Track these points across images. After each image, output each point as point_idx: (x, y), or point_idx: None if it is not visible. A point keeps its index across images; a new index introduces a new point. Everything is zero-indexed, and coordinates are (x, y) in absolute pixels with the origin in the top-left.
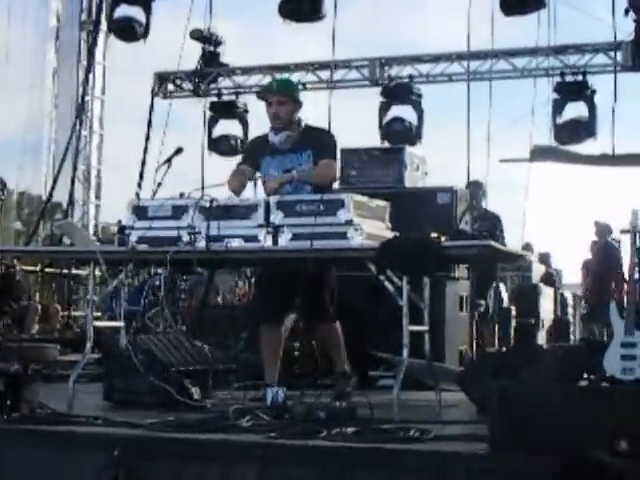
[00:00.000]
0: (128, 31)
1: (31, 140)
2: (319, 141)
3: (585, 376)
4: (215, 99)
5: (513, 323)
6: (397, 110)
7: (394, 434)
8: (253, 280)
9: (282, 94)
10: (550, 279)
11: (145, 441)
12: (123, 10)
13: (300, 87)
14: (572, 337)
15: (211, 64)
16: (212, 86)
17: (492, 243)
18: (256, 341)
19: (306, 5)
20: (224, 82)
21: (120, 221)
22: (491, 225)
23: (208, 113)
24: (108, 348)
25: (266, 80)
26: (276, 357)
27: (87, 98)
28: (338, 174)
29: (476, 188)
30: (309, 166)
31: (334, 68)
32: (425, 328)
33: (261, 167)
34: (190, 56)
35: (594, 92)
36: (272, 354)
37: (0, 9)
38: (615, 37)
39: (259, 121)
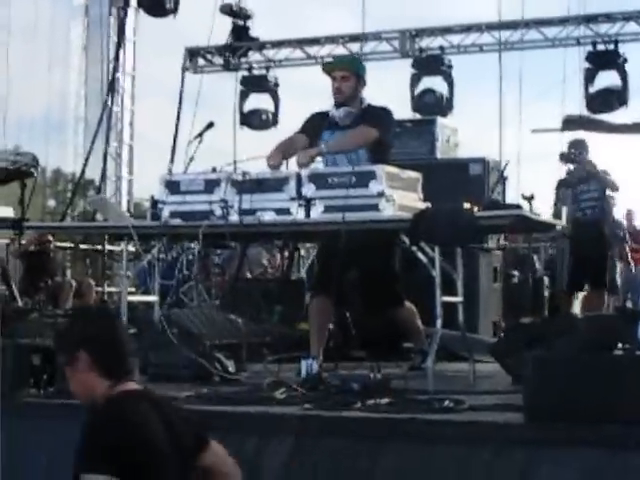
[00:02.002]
0: (158, 6)
1: (57, 117)
2: (372, 114)
3: (620, 345)
4: (246, 73)
5: (547, 293)
6: (428, 81)
7: (428, 405)
8: (286, 253)
9: (346, 69)
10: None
11: None
12: None
13: (364, 66)
14: None
15: (241, 38)
16: (242, 60)
17: (525, 212)
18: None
19: None
20: (254, 56)
21: (153, 196)
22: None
23: (239, 87)
24: (142, 323)
25: (296, 54)
26: (323, 330)
27: (118, 74)
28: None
29: (579, 147)
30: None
31: (364, 41)
32: (459, 299)
33: (319, 140)
34: (220, 31)
35: (626, 60)
36: (319, 327)
37: None
38: None
39: (290, 95)
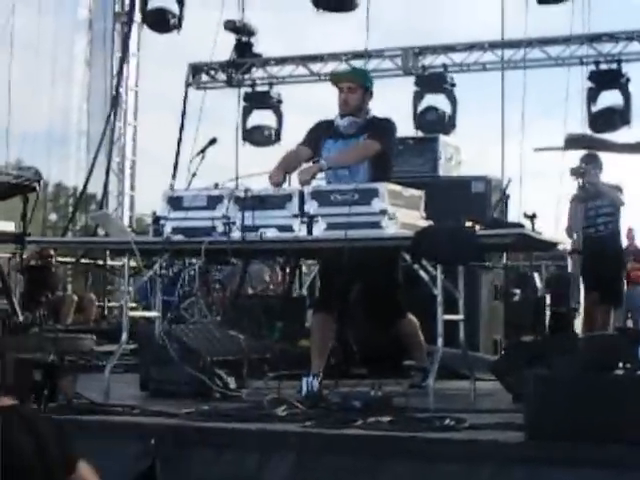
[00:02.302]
0: (162, 22)
1: (60, 132)
2: (376, 126)
3: (621, 365)
4: (249, 89)
5: (548, 312)
6: (431, 99)
7: (429, 423)
8: (287, 270)
9: (353, 81)
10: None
11: (181, 431)
12: (157, 1)
13: (371, 78)
14: None
15: (244, 54)
16: (246, 76)
17: (527, 231)
18: (293, 330)
19: None
20: (258, 72)
21: (155, 212)
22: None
23: (242, 103)
24: (143, 338)
25: (300, 70)
26: (325, 347)
27: (121, 89)
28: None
29: (590, 161)
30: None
31: (367, 58)
32: (460, 317)
33: (322, 149)
34: (224, 47)
35: (629, 80)
36: (321, 344)
37: (30, 1)
38: None
39: (293, 111)
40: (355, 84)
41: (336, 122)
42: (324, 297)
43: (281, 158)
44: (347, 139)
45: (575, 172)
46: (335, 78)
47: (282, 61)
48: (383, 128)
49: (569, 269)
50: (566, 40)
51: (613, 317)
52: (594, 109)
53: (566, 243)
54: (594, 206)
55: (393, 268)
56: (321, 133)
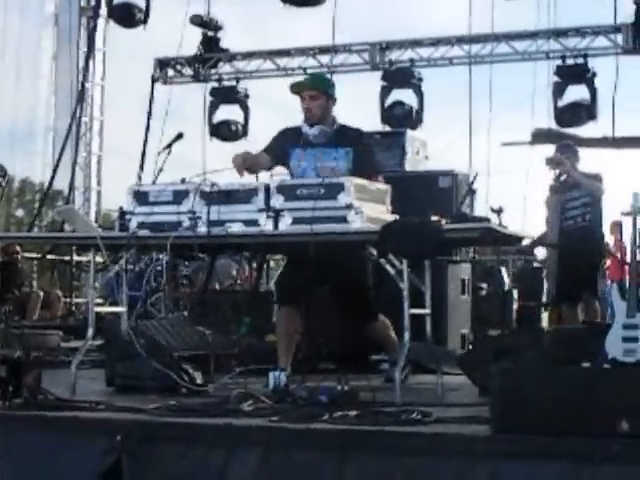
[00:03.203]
0: (128, 17)
1: (26, 127)
2: (361, 142)
3: (587, 358)
4: (215, 84)
5: (515, 306)
6: (398, 94)
7: (396, 417)
8: (254, 265)
9: (314, 89)
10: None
11: (148, 426)
12: None
13: (333, 83)
14: None
15: (211, 49)
16: (212, 71)
17: (493, 225)
18: (261, 325)
19: None
20: (224, 67)
21: (121, 207)
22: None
23: (209, 98)
24: (110, 334)
25: (267, 65)
26: (291, 341)
27: (87, 84)
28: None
29: (566, 152)
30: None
31: (334, 53)
32: (427, 311)
33: (290, 158)
34: (190, 42)
35: (595, 75)
36: (286, 338)
37: None
38: (615, 20)
39: (260, 106)
40: (316, 92)
41: (304, 130)
42: (288, 291)
43: (245, 152)
44: (317, 147)
45: (550, 162)
46: (295, 87)
47: (249, 56)
48: (371, 154)
49: (536, 264)
50: (533, 35)
51: (587, 310)
52: (560, 104)
53: (529, 237)
54: (571, 197)
55: (363, 269)
56: (287, 142)
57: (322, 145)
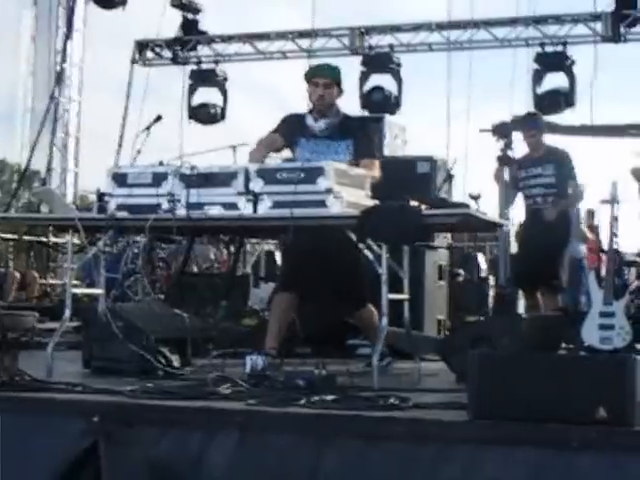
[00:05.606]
0: None
1: (5, 108)
2: (362, 132)
3: (564, 345)
4: (194, 67)
5: (492, 292)
6: (377, 79)
7: (373, 402)
8: (232, 248)
9: (331, 78)
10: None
11: (125, 408)
12: None
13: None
14: None
15: (191, 32)
16: (191, 54)
17: (471, 211)
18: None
19: None
20: (203, 50)
21: (99, 189)
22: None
23: (187, 81)
24: (87, 316)
25: (246, 48)
26: (283, 326)
27: (66, 65)
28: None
29: (534, 125)
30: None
31: (314, 37)
32: (405, 296)
33: (295, 147)
34: (170, 24)
35: (573, 63)
36: (280, 322)
37: None
38: (595, 8)
39: (238, 89)
40: (332, 81)
41: (308, 122)
42: (290, 278)
43: (259, 140)
44: (321, 139)
45: (497, 129)
46: (311, 73)
47: (228, 39)
48: (370, 140)
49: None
50: (512, 22)
51: (545, 303)
52: (539, 91)
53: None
54: (533, 174)
55: (358, 255)
56: (294, 129)
57: (325, 137)
